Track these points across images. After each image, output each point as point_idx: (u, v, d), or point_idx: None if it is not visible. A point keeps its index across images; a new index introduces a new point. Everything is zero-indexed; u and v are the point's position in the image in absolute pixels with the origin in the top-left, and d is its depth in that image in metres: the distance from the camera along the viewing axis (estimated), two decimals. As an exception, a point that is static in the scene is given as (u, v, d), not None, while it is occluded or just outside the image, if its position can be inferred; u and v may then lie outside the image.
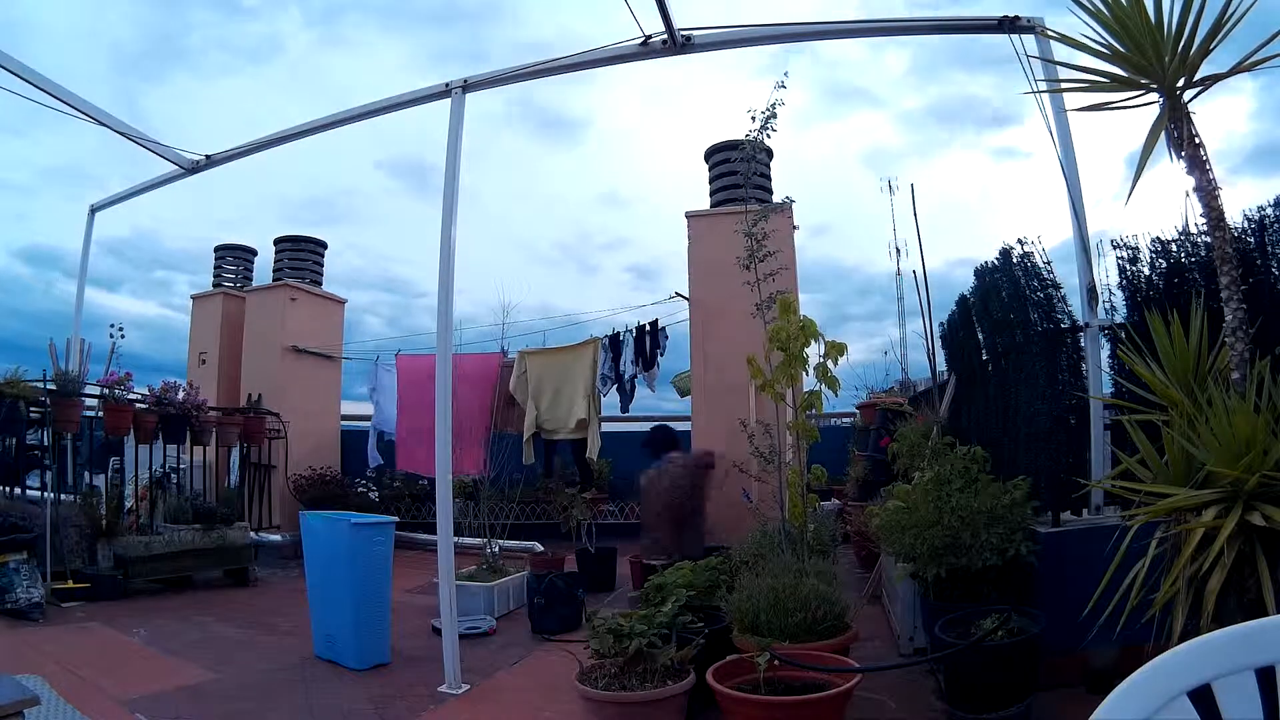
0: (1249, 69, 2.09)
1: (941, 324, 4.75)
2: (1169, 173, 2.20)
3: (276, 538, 7.02)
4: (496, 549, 5.30)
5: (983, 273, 3.94)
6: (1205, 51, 2.11)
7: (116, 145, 4.70)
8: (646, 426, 8.75)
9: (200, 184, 5.25)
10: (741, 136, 3.87)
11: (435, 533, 3.65)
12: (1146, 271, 2.89)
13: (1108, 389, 2.98)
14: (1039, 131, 3.22)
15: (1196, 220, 2.60)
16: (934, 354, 4.10)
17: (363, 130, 4.38)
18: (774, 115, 3.62)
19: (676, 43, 3.65)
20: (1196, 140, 2.13)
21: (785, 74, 3.58)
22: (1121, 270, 2.95)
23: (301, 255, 8.52)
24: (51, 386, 5.24)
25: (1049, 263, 3.34)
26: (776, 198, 6.31)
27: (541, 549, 6.49)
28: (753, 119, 3.66)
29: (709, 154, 6.95)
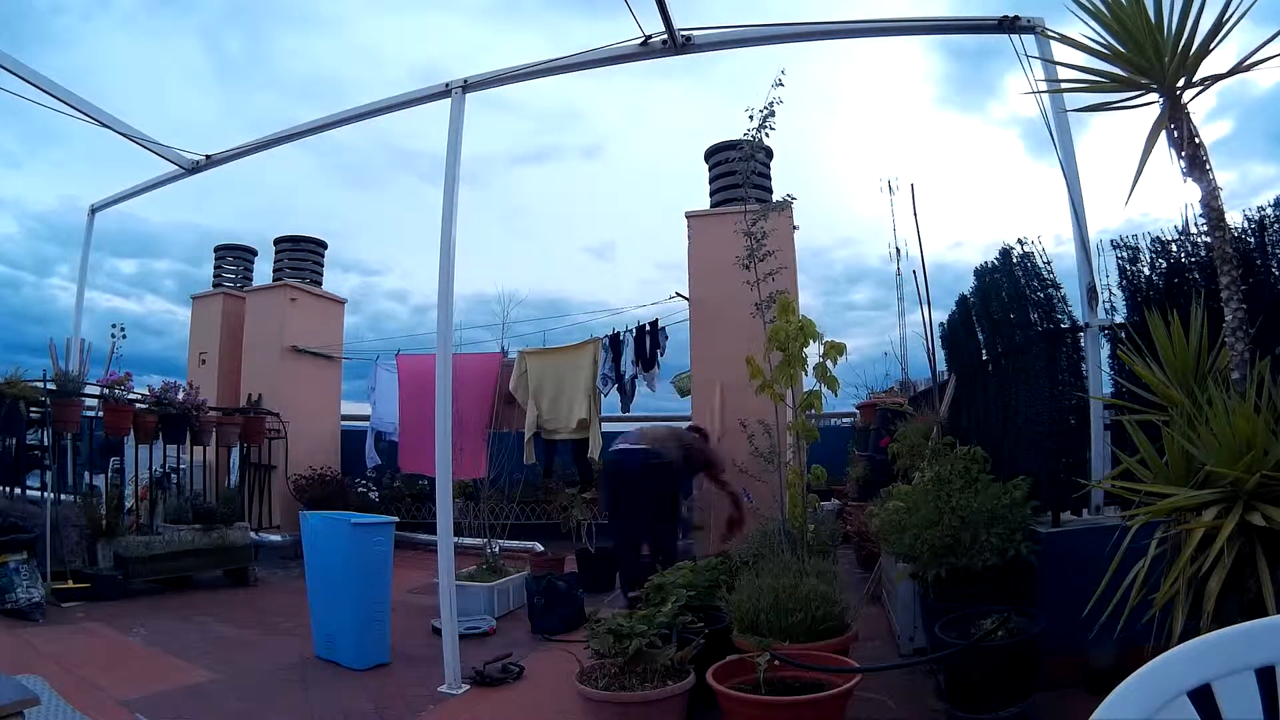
0: (1249, 69, 2.09)
1: (941, 324, 4.75)
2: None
3: (276, 538, 7.02)
4: (496, 549, 5.30)
5: (983, 273, 3.94)
6: (1205, 51, 2.11)
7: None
8: (646, 427, 8.77)
9: (84, 153, 5.14)
10: (740, 135, 3.86)
11: (435, 533, 3.65)
12: (1146, 271, 2.90)
13: (1108, 389, 2.98)
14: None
15: (1196, 220, 2.61)
16: (934, 354, 4.10)
17: (210, 71, 4.31)
18: (772, 114, 3.61)
19: (676, 43, 3.65)
20: (1197, 140, 2.13)
21: (783, 71, 3.57)
22: (1121, 270, 2.96)
23: (301, 255, 8.53)
24: (51, 386, 5.24)
25: (1049, 263, 3.34)
26: (776, 197, 6.31)
27: (541, 549, 6.50)
28: (750, 118, 3.65)
29: (709, 154, 6.95)
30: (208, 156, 5.12)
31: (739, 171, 4.12)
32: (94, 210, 5.86)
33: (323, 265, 8.75)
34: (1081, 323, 3.15)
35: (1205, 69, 2.14)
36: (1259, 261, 2.59)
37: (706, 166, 6.98)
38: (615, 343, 7.13)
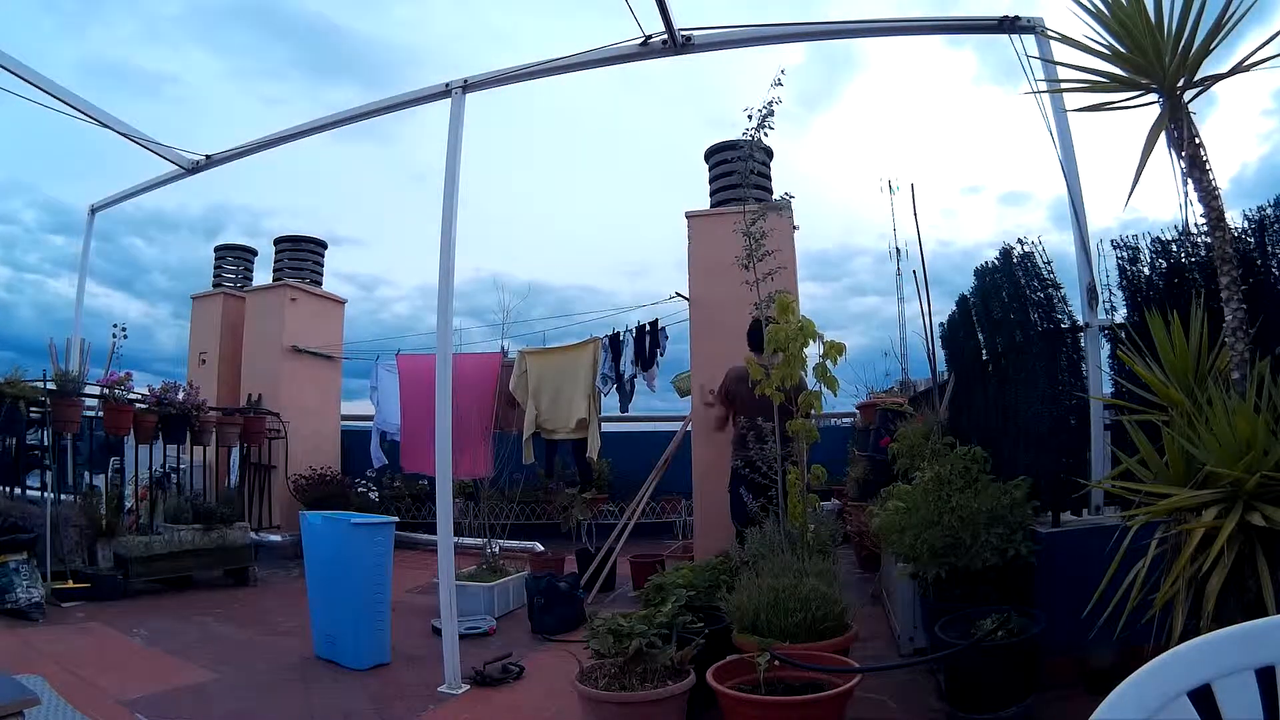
0: (1249, 69, 2.09)
1: (941, 324, 4.75)
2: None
3: (276, 538, 7.02)
4: (496, 549, 5.30)
5: (983, 273, 3.94)
6: (1205, 51, 2.11)
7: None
8: (646, 427, 8.80)
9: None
10: (739, 135, 3.85)
11: (435, 533, 3.65)
12: (1146, 271, 2.89)
13: (1108, 389, 2.98)
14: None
15: (1196, 220, 2.60)
16: (934, 354, 4.09)
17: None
18: (771, 114, 3.61)
19: (676, 43, 3.66)
20: (1197, 140, 2.13)
21: (782, 71, 3.56)
22: (1121, 270, 2.95)
23: (301, 255, 8.53)
24: (51, 386, 5.24)
25: (1049, 262, 3.34)
26: (776, 196, 6.30)
27: (541, 549, 6.50)
28: (749, 117, 3.64)
29: (709, 154, 6.94)
30: (208, 157, 5.12)
31: (738, 171, 4.11)
32: (94, 210, 5.86)
33: (323, 265, 8.75)
34: (1081, 323, 3.15)
35: (1205, 69, 2.14)
36: (1259, 261, 2.58)
37: (706, 166, 6.98)
38: (615, 342, 7.13)
